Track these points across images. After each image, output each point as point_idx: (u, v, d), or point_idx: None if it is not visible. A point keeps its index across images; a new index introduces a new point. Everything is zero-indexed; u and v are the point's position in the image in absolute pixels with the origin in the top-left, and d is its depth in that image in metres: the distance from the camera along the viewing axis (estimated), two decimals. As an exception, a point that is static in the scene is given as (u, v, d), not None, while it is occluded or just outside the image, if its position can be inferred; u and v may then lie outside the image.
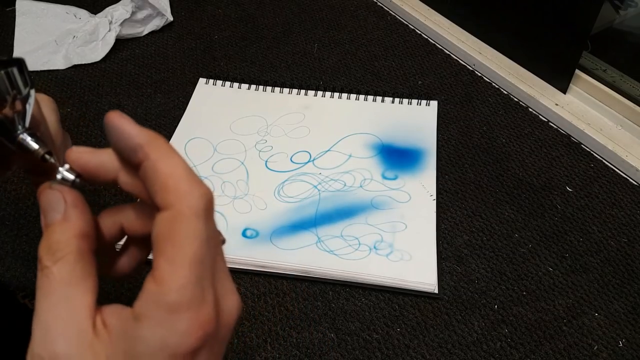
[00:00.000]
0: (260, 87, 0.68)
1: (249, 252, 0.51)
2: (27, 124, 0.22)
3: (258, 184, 0.57)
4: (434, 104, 0.66)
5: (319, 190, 0.56)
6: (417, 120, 0.64)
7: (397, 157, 0.60)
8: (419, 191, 0.56)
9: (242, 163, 0.59)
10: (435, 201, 0.55)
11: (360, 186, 0.57)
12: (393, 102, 0.66)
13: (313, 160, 0.59)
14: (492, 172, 0.59)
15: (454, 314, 0.47)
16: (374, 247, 0.51)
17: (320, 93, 0.67)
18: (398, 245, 0.51)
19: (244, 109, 0.65)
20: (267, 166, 0.59)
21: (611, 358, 0.45)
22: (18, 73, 0.22)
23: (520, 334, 0.46)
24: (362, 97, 0.67)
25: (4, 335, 0.41)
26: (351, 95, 0.67)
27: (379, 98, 0.66)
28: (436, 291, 0.49)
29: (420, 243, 0.52)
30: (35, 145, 0.23)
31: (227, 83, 0.68)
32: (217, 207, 0.53)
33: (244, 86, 0.68)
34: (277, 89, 0.68)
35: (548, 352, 0.45)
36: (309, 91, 0.67)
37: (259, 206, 0.55)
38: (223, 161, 0.59)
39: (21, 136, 0.22)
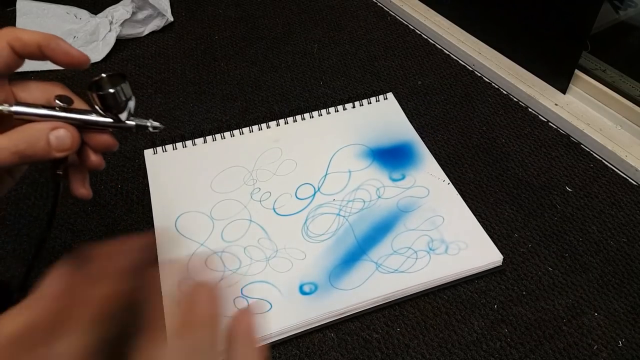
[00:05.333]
0: (218, 136, 0.61)
1: (319, 307, 0.46)
2: (132, 111, 0.32)
3: (281, 235, 0.52)
4: (390, 95, 0.66)
5: (343, 216, 0.54)
6: (385, 117, 0.64)
7: (391, 158, 0.59)
8: (432, 181, 0.56)
9: (251, 221, 0.53)
10: (450, 184, 0.56)
11: (379, 197, 0.55)
12: (354, 106, 0.65)
13: (319, 190, 0.56)
14: (492, 172, 0.59)
15: (454, 314, 0.47)
16: (430, 249, 0.51)
17: (282, 121, 0.62)
18: (449, 238, 0.51)
19: (214, 166, 0.58)
20: (277, 213, 0.54)
21: (611, 358, 0.45)
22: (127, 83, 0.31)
23: (520, 333, 0.46)
24: (324, 111, 0.64)
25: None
26: (313, 113, 0.64)
27: (340, 107, 0.64)
28: (501, 264, 0.50)
29: (464, 227, 0.52)
30: (147, 122, 0.33)
31: (179, 144, 0.60)
32: (258, 277, 0.49)
33: (198, 141, 0.60)
34: (236, 132, 0.61)
35: (548, 351, 0.45)
36: (270, 123, 0.62)
37: (297, 257, 0.50)
38: (229, 227, 0.53)
39: (136, 121, 0.33)
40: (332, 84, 0.70)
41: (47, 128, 0.28)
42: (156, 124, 0.34)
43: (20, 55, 0.30)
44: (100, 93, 0.30)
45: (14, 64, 0.30)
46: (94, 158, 0.32)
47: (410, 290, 0.48)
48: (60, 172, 0.31)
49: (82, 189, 0.33)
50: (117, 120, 0.32)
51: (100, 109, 0.31)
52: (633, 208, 0.56)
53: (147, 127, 0.33)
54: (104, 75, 0.31)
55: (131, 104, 0.32)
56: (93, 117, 0.31)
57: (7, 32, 0.29)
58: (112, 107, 0.31)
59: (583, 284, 0.49)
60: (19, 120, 0.29)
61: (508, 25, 0.70)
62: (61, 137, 0.29)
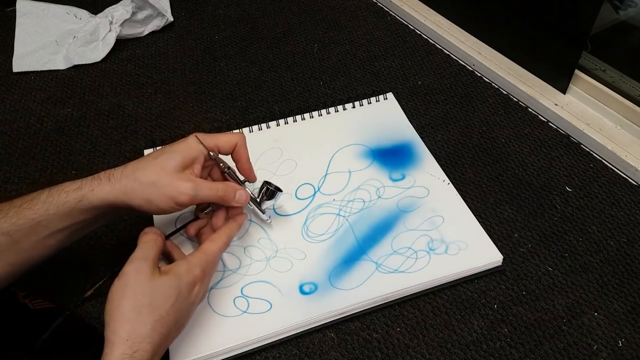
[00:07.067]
0: None
1: (319, 307, 0.46)
2: (265, 207, 0.51)
3: (281, 235, 0.52)
4: (390, 95, 0.66)
5: (343, 216, 0.54)
6: (385, 117, 0.64)
7: (392, 158, 0.59)
8: (432, 181, 0.56)
9: (251, 220, 0.53)
10: (450, 184, 0.56)
11: (379, 197, 0.55)
12: (354, 106, 0.65)
13: (319, 190, 0.56)
14: (492, 172, 0.59)
15: (454, 314, 0.47)
16: (430, 249, 0.51)
17: (282, 121, 0.63)
18: (449, 239, 0.51)
19: None
20: (277, 213, 0.54)
21: (611, 357, 0.45)
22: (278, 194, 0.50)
23: (519, 333, 0.46)
24: (324, 111, 0.64)
25: (5, 335, 0.41)
26: (313, 113, 0.64)
27: (340, 107, 0.65)
28: (500, 263, 0.50)
29: (465, 228, 0.52)
30: (266, 216, 0.52)
31: None
32: (258, 277, 0.49)
33: None
34: (236, 132, 0.60)
35: (548, 351, 0.45)
36: (270, 123, 0.63)
37: (297, 257, 0.50)
38: None
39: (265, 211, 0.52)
40: (332, 84, 0.70)
41: (236, 188, 0.47)
42: (269, 222, 0.53)
43: (220, 153, 0.48)
44: (269, 187, 0.49)
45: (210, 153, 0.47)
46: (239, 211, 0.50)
47: (410, 290, 0.48)
48: (204, 213, 0.48)
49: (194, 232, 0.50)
50: (260, 204, 0.50)
51: (259, 194, 0.50)
52: (633, 208, 0.56)
53: (264, 218, 0.52)
54: (273, 183, 0.50)
55: (270, 203, 0.50)
56: (252, 195, 0.49)
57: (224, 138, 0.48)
58: (265, 196, 0.50)
59: (583, 284, 0.49)
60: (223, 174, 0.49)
61: (508, 25, 0.70)
62: (241, 194, 0.47)
